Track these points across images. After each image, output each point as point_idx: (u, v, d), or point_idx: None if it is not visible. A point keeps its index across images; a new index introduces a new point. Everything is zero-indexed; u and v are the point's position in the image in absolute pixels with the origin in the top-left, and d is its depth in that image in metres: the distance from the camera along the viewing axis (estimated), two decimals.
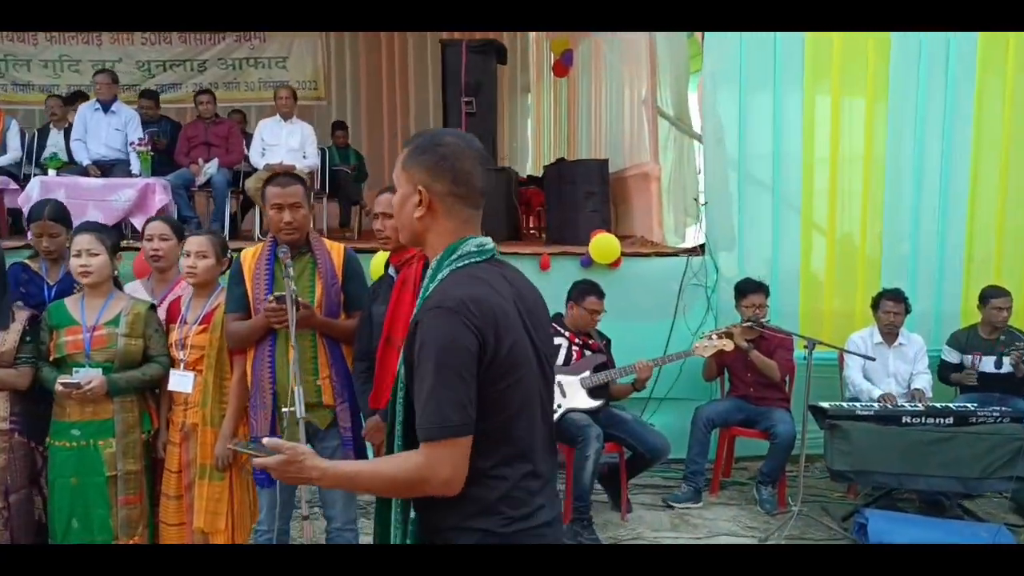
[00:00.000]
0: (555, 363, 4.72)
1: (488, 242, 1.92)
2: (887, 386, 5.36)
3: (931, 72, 5.95)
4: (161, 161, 7.01)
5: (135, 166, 6.55)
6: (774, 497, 5.14)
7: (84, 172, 6.46)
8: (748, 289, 5.32)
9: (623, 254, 5.87)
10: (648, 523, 4.90)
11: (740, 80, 5.91)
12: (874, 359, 5.26)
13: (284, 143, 7.03)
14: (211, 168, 6.76)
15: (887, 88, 6.03)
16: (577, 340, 4.83)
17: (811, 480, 5.51)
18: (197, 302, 3.66)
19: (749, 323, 5.21)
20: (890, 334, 5.42)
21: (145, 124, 7.34)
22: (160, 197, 5.97)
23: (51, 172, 6.05)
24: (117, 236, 3.70)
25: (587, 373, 4.75)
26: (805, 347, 4.82)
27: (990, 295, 5.49)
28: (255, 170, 6.87)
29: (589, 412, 4.67)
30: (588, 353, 4.84)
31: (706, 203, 5.98)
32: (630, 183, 7.62)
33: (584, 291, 4.84)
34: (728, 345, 4.98)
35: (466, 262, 1.86)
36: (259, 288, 3.37)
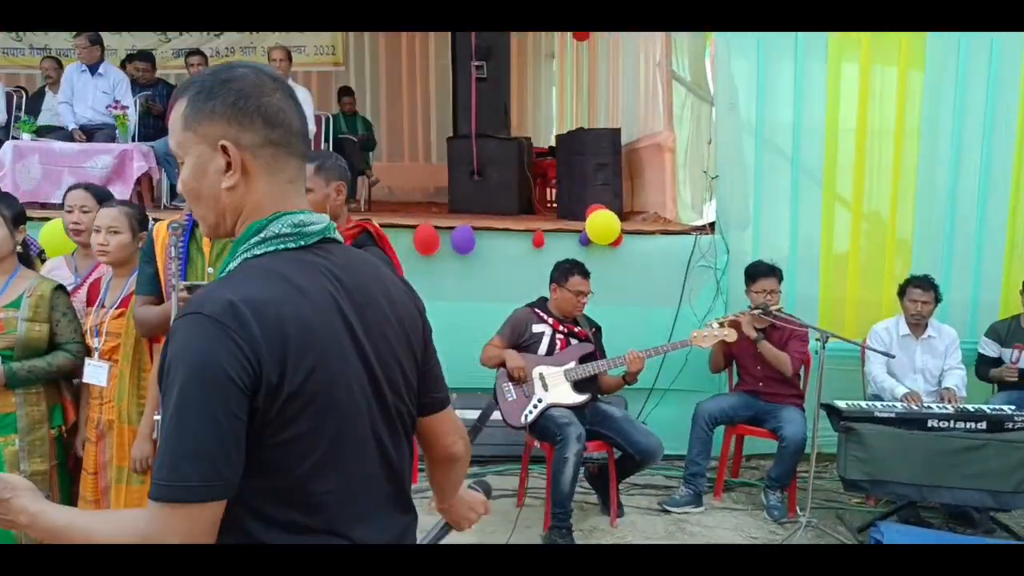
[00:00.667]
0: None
1: (317, 220, 1.34)
2: (913, 383, 4.69)
3: (972, 38, 5.17)
4: (158, 128, 6.56)
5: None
6: (783, 503, 4.53)
7: (70, 137, 6.02)
8: (758, 273, 4.67)
9: (624, 232, 5.24)
10: (640, 529, 4.32)
11: (758, 42, 5.19)
12: (893, 356, 4.59)
13: None
14: None
15: (923, 55, 5.26)
16: (562, 327, 4.25)
17: (828, 483, 4.88)
18: (117, 283, 3.15)
19: (758, 311, 4.57)
20: (917, 325, 4.73)
21: (142, 87, 6.89)
22: (139, 164, 5.50)
23: (25, 136, 5.59)
24: (21, 205, 3.18)
25: (572, 364, 4.17)
26: (819, 339, 4.18)
27: None
28: None
29: (573, 408, 4.10)
30: (574, 342, 4.26)
31: (716, 176, 5.30)
32: (643, 155, 6.94)
33: (567, 271, 4.24)
34: (731, 335, 4.35)
35: (270, 248, 1.30)
36: (171, 269, 2.85)
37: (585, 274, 4.24)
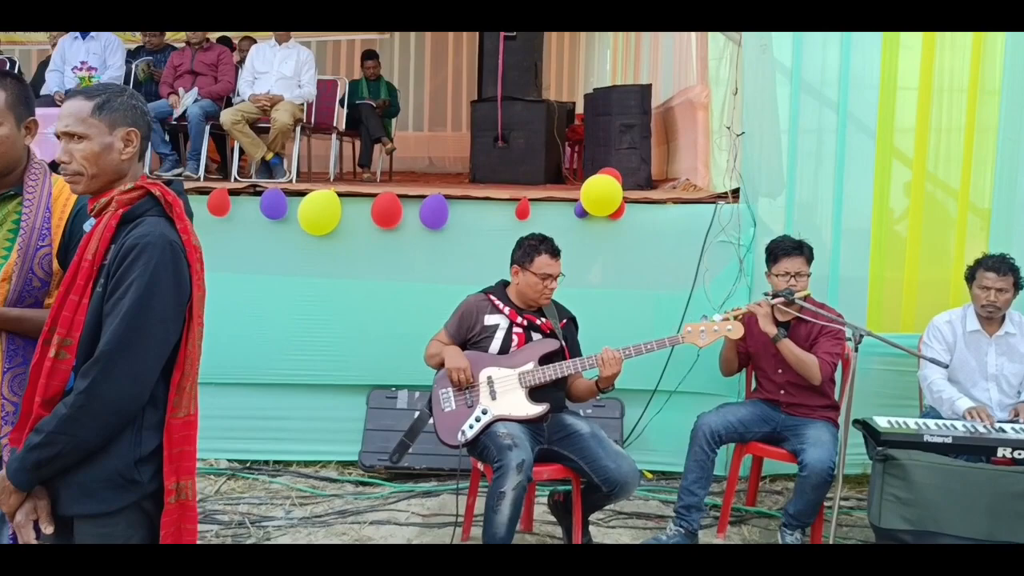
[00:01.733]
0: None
1: None
2: (983, 394, 3.48)
3: None
4: (153, 93, 5.89)
5: None
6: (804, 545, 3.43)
7: (52, 103, 5.38)
8: (780, 251, 3.53)
9: (627, 201, 4.17)
10: None
11: None
12: (945, 365, 3.39)
13: (275, 70, 5.67)
14: (189, 98, 5.53)
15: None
16: (520, 319, 3.26)
17: (861, 515, 3.74)
18: None
19: (779, 299, 3.46)
20: (990, 319, 3.50)
21: (149, 53, 6.22)
22: None
23: None
24: None
25: (530, 366, 3.18)
26: (852, 339, 3.06)
27: None
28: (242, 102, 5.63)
29: (528, 422, 3.13)
30: (536, 337, 3.27)
31: (743, 132, 4.14)
32: (677, 114, 5.79)
33: (531, 248, 3.23)
34: (735, 331, 3.26)
35: None
36: None
37: (554, 252, 3.23)
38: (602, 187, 4.10)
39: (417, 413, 3.35)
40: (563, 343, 3.23)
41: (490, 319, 3.25)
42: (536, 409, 3.13)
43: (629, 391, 4.02)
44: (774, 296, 3.47)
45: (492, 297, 3.29)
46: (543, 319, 3.26)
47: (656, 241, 4.18)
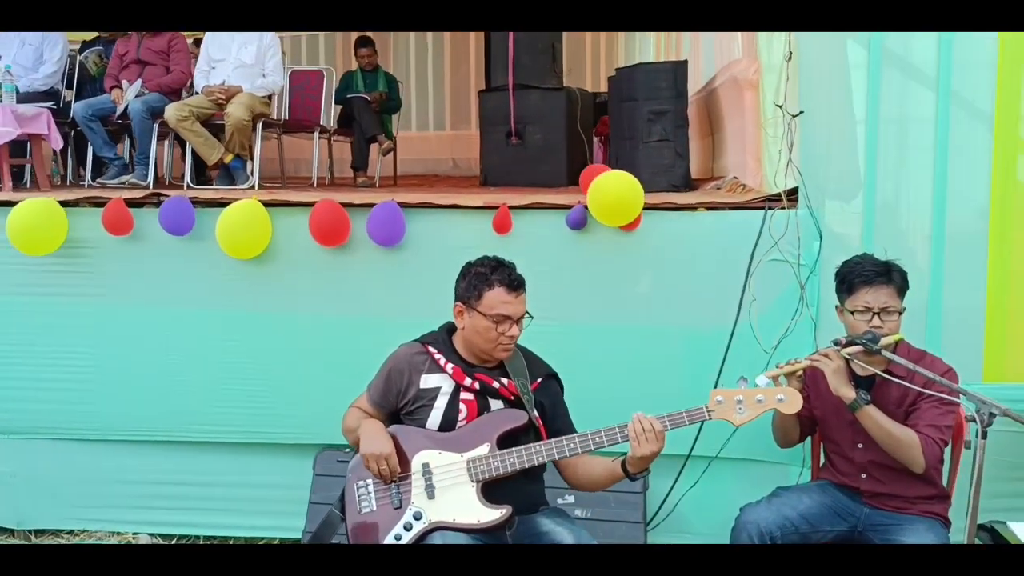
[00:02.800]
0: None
1: None
2: None
3: None
4: (96, 89, 5.16)
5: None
6: None
7: None
8: (858, 277, 2.47)
9: (648, 207, 3.16)
10: None
11: None
12: None
13: (233, 57, 4.82)
14: (131, 92, 4.72)
15: None
16: (470, 380, 2.27)
17: None
18: None
19: (858, 346, 2.41)
20: None
21: (106, 43, 5.47)
22: (4, 130, 4.00)
23: None
24: None
25: (483, 449, 2.19)
26: (973, 417, 2.00)
27: None
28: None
29: (482, 531, 2.14)
30: (495, 406, 2.28)
31: (801, 112, 3.07)
32: (721, 97, 4.74)
33: (477, 280, 2.26)
34: (790, 403, 2.21)
35: None
36: None
37: (513, 284, 2.24)
38: (616, 187, 3.09)
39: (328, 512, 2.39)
40: (533, 415, 2.24)
41: (427, 380, 2.28)
42: (491, 514, 2.14)
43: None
44: (848, 343, 2.42)
45: (431, 349, 2.32)
46: (504, 380, 2.27)
47: (684, 260, 3.16)
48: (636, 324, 3.15)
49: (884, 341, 2.40)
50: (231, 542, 3.43)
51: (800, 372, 2.46)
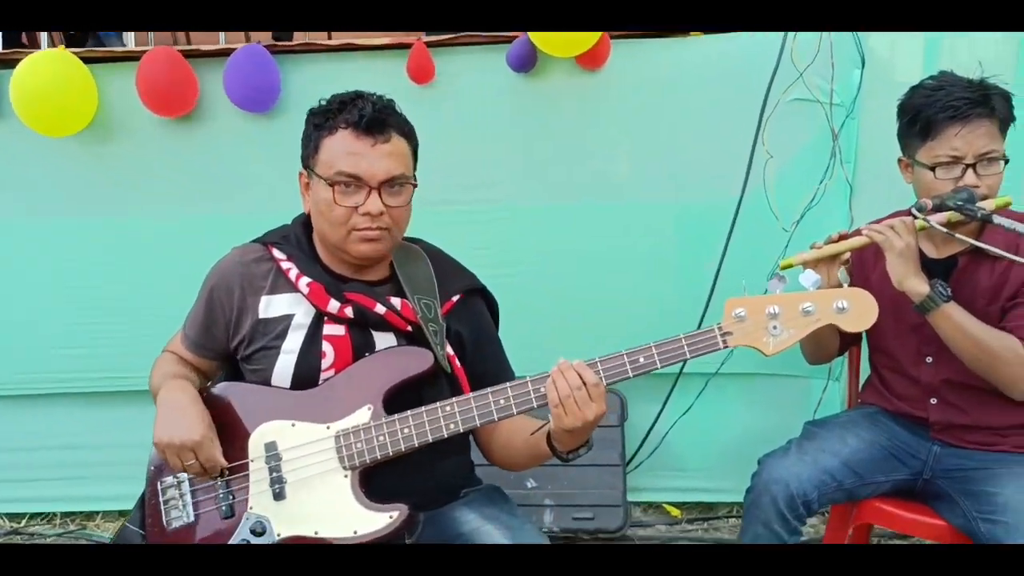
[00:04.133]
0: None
1: None
2: None
3: None
4: None
5: None
6: None
7: None
8: (944, 111, 1.61)
9: (616, 36, 2.23)
10: None
11: None
12: None
13: None
14: None
15: None
16: (337, 302, 1.40)
17: None
18: None
19: (937, 210, 1.58)
20: None
21: None
22: None
23: None
24: None
25: (364, 415, 1.37)
26: None
27: None
28: None
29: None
30: (382, 342, 1.42)
31: None
32: None
33: (320, 125, 1.38)
34: (861, 313, 1.36)
35: None
36: None
37: (369, 125, 1.34)
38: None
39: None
40: (441, 353, 1.41)
41: (271, 305, 1.43)
42: (375, 521, 1.33)
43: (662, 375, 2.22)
44: (937, 208, 1.58)
45: (276, 253, 1.46)
46: (395, 300, 1.42)
47: (671, 106, 2.26)
48: (607, 202, 2.30)
49: (985, 204, 1.57)
50: (100, 518, 2.66)
51: (847, 256, 1.65)
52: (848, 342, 1.91)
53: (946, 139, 1.61)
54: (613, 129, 2.28)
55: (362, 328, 1.39)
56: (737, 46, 2.23)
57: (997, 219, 1.47)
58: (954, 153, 1.61)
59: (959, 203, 1.53)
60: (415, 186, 1.40)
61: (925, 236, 1.71)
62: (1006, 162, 1.62)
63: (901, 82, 1.80)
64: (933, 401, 1.77)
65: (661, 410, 2.44)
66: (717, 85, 2.24)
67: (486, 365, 1.47)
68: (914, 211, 1.57)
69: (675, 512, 2.52)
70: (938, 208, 1.56)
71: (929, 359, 1.74)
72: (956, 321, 1.59)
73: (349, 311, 1.38)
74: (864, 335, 1.91)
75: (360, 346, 1.39)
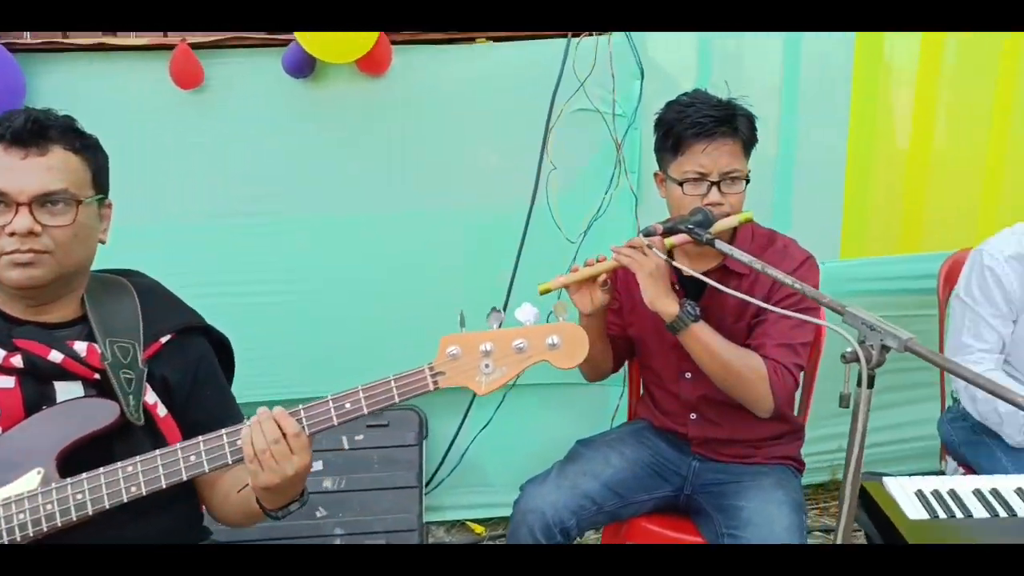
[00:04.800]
0: None
1: None
2: None
3: None
4: None
5: None
6: None
7: None
8: (688, 127, 1.61)
9: (398, 41, 2.14)
10: None
11: None
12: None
13: None
14: None
15: None
16: (3, 351, 1.22)
17: None
18: None
19: (679, 232, 1.57)
20: None
21: None
22: None
23: None
24: None
25: (32, 480, 1.18)
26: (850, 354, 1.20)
27: None
28: None
29: None
30: (63, 393, 1.24)
31: None
32: None
33: None
34: (571, 350, 1.29)
35: None
36: None
37: (18, 136, 1.18)
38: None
39: None
40: (132, 403, 1.25)
41: None
42: None
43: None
44: (669, 231, 1.57)
45: None
46: (80, 345, 1.27)
47: (457, 114, 2.19)
48: (395, 212, 2.21)
49: (723, 224, 1.58)
50: None
51: (604, 277, 1.62)
52: (622, 357, 1.90)
53: (693, 155, 1.61)
54: (399, 137, 2.19)
55: (37, 379, 1.25)
56: (522, 54, 2.18)
57: (719, 244, 1.47)
58: (700, 170, 1.61)
59: (690, 226, 1.52)
60: (83, 204, 1.23)
61: (680, 252, 1.71)
62: (747, 182, 1.63)
63: (672, 90, 1.79)
64: (693, 416, 1.78)
65: (461, 425, 2.38)
66: (505, 94, 2.19)
67: (203, 412, 1.34)
68: (641, 235, 1.56)
69: (479, 529, 2.47)
70: (670, 231, 1.56)
71: (688, 375, 1.75)
72: (703, 341, 1.60)
73: (17, 360, 1.23)
74: (635, 348, 1.90)
75: (34, 400, 1.24)
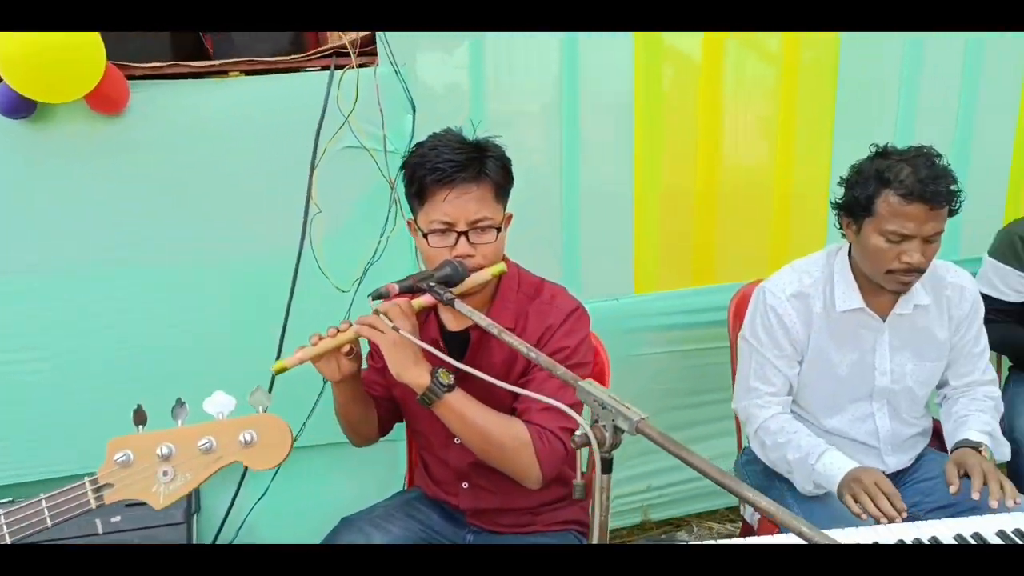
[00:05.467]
0: None
1: None
2: (864, 426, 1.82)
3: None
4: None
5: None
6: None
7: None
8: (432, 172, 1.46)
9: (131, 75, 1.89)
10: None
11: None
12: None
13: None
14: None
15: None
16: None
17: None
18: None
19: (429, 292, 1.41)
20: (901, 289, 1.70)
21: None
22: None
23: None
24: None
25: None
26: (581, 437, 1.07)
27: None
28: None
29: None
30: None
31: None
32: None
33: None
34: (270, 450, 1.10)
35: None
36: None
37: None
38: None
39: None
40: None
41: None
42: None
43: None
44: (396, 293, 1.41)
45: None
46: None
47: (211, 157, 1.95)
48: (145, 268, 1.94)
49: (475, 279, 1.44)
50: None
51: (347, 348, 1.45)
52: (388, 421, 1.72)
53: (436, 204, 1.46)
54: (143, 183, 1.93)
55: None
56: (281, 88, 1.98)
57: (458, 305, 1.32)
58: (445, 219, 1.46)
59: (431, 284, 1.37)
60: None
61: (443, 307, 1.55)
62: (500, 229, 1.50)
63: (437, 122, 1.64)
64: (464, 485, 1.63)
65: (236, 494, 2.14)
66: (264, 132, 1.97)
67: None
68: (370, 300, 1.40)
69: None
70: (409, 290, 1.40)
71: (457, 441, 1.59)
72: (458, 411, 1.44)
73: None
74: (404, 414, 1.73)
75: None
